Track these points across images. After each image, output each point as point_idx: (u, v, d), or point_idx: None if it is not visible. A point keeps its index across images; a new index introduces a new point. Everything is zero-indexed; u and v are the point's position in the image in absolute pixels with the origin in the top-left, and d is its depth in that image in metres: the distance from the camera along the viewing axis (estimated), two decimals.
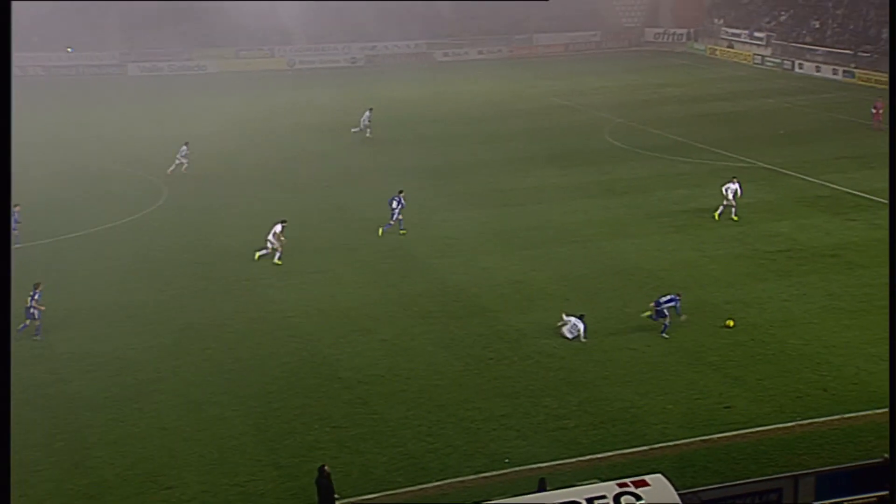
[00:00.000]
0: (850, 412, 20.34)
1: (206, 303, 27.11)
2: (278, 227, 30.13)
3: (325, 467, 16.94)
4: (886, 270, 28.16)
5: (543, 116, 54.40)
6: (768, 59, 71.59)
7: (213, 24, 73.87)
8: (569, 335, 24.18)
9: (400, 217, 32.67)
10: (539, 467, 18.16)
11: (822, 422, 19.98)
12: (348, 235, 33.16)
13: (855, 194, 36.66)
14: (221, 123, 51.69)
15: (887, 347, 23.07)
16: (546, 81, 67.06)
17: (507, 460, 18.67)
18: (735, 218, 33.29)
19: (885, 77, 60.81)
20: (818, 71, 66.38)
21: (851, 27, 68.68)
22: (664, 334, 24.31)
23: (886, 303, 25.75)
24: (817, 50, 68.47)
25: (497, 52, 79.67)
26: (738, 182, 33.90)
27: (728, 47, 76.82)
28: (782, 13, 75.97)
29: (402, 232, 32.53)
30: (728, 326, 24.70)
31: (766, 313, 25.69)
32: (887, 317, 24.81)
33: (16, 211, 29.06)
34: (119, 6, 71.79)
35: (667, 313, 24.30)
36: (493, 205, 36.52)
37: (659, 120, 52.12)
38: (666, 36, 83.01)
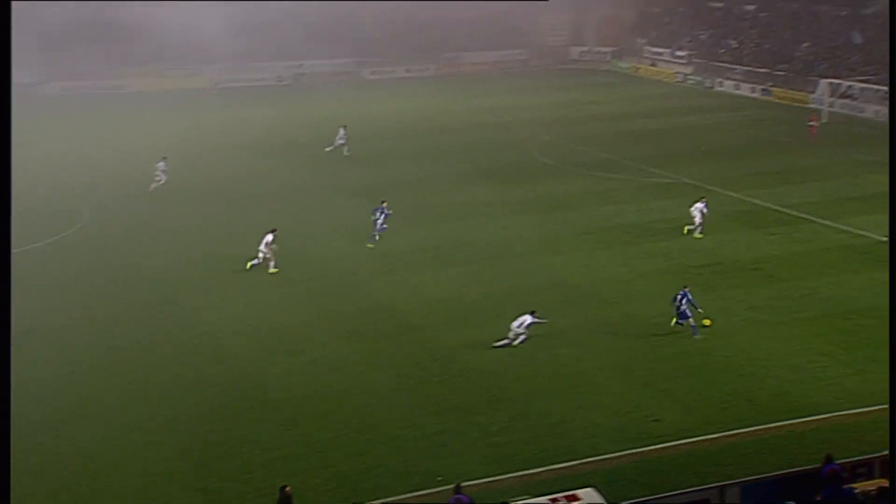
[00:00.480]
0: (774, 422, 20.78)
1: (131, 326, 26.49)
2: (269, 237, 30.43)
3: (287, 488, 16.60)
4: (805, 283, 29.47)
5: (473, 134, 54.78)
6: (690, 77, 73.37)
7: (135, 43, 72.64)
8: (515, 322, 24.48)
9: (385, 226, 33.22)
10: (472, 484, 18.15)
11: (748, 432, 20.38)
12: (279, 254, 32.82)
13: (775, 209, 37.68)
14: (146, 143, 50.73)
15: (807, 358, 23.97)
16: (475, 99, 67.62)
17: (439, 478, 18.62)
18: (699, 236, 33.71)
19: (800, 95, 62.92)
20: (737, 89, 68.20)
21: (767, 46, 70.89)
22: (696, 336, 25.07)
23: (805, 315, 26.87)
24: (736, 69, 70.36)
25: (424, 71, 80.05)
26: (706, 201, 34.44)
27: (651, 65, 78.55)
28: (702, 33, 78.04)
29: (369, 245, 33.15)
30: (706, 326, 25.44)
31: None
32: (806, 329, 25.84)
33: None
34: (37, 23, 70.17)
35: (689, 313, 25.12)
36: (425, 222, 36.56)
37: (586, 137, 52.87)
38: (591, 54, 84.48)
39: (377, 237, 33.43)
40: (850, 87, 58.19)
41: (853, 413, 21.15)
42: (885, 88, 56.17)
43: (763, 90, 66.14)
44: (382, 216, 33.32)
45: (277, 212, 38.29)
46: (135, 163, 43.24)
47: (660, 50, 78.95)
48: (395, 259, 32.30)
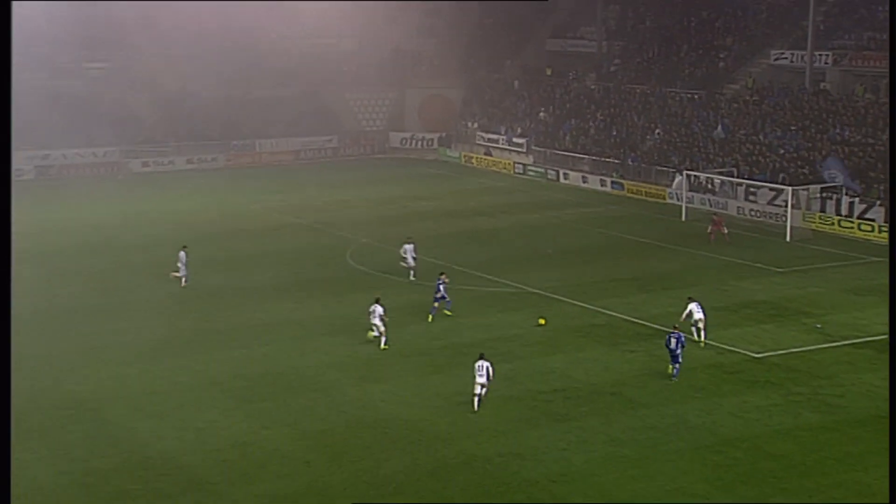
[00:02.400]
0: None
1: None
2: (380, 309, 35.69)
3: None
4: (670, 409, 30.76)
5: (273, 238, 54.62)
6: (530, 167, 76.45)
7: None
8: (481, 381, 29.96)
9: (444, 297, 39.02)
10: None
11: None
12: (13, 399, 31.15)
13: (633, 321, 39.15)
14: None
15: (677, 500, 24.63)
16: (274, 196, 67.73)
17: None
18: (702, 343, 35.79)
19: (655, 188, 66.47)
20: (584, 182, 71.66)
21: (615, 133, 75.05)
22: (675, 378, 32.38)
23: (672, 447, 27.86)
24: (582, 158, 74.08)
25: (211, 162, 79.77)
26: (699, 304, 36.27)
27: (486, 154, 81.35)
28: (542, 113, 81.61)
29: (447, 312, 39.37)
30: (540, 325, 33.54)
31: (544, 465, 26.56)
32: (673, 464, 26.71)
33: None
34: None
35: (681, 360, 32.36)
36: (211, 348, 35.88)
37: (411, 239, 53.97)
38: (414, 141, 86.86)
39: (444, 310, 39.18)
40: (709, 179, 61.96)
41: None
42: (749, 182, 60.18)
43: (614, 183, 69.67)
44: (442, 287, 38.96)
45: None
46: None
47: (494, 136, 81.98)
48: (173, 397, 31.38)
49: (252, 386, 32.31)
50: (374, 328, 35.75)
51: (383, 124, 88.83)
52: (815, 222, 56.48)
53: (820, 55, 69.82)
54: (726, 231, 52.97)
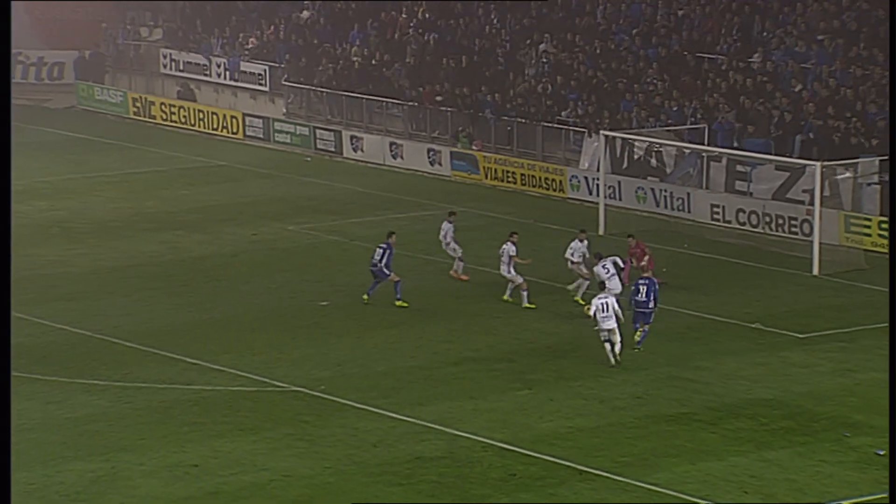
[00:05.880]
0: None
1: None
2: (512, 249, 50.39)
3: None
4: None
5: None
6: (281, 125, 76.93)
7: None
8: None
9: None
10: None
11: None
12: None
13: (505, 450, 38.83)
14: None
15: None
16: None
17: None
18: (581, 301, 49.68)
19: (542, 170, 66.41)
20: (395, 156, 72.01)
21: (455, 52, 74.80)
22: (639, 347, 44.85)
23: None
24: (391, 105, 74.45)
25: None
26: (586, 240, 50.50)
27: (181, 98, 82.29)
28: (307, 12, 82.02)
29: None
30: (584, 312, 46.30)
31: None
32: None
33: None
34: None
35: (651, 314, 45.04)
36: None
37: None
38: (21, 69, 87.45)
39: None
40: (652, 149, 62.72)
41: None
42: (737, 154, 60.65)
43: (456, 157, 69.95)
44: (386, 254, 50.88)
45: None
46: None
47: (198, 59, 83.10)
48: None
49: None
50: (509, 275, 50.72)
51: None
52: (870, 235, 57.03)
53: None
54: (653, 270, 51.33)
